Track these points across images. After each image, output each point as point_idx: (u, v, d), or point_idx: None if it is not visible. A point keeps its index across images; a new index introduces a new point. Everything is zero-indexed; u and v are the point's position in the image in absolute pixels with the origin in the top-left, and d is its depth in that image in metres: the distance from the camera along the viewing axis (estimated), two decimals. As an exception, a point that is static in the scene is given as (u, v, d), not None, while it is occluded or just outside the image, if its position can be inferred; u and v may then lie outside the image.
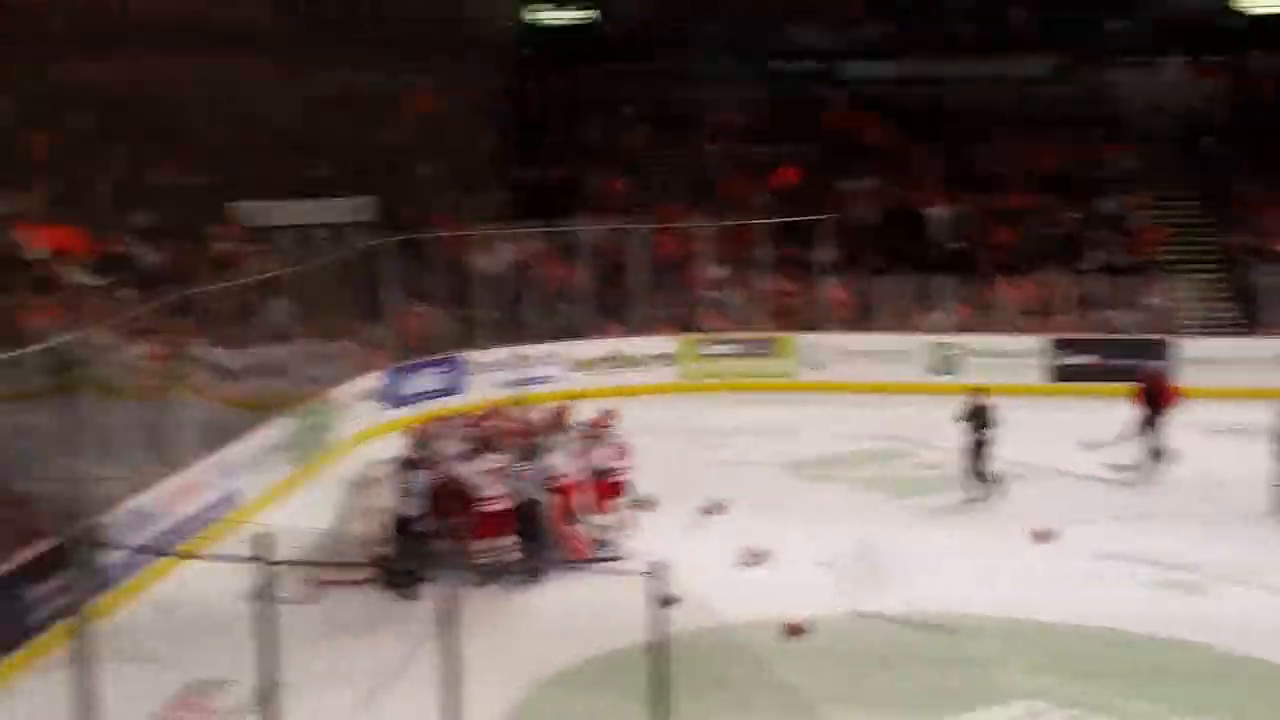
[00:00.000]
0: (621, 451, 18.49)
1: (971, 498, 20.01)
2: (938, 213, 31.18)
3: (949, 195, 31.60)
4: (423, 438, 18.35)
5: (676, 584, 14.03)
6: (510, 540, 17.22)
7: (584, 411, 19.35)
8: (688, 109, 34.92)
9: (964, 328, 28.36)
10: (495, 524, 17.16)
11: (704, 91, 34.93)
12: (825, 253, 29.23)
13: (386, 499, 17.22)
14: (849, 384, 27.24)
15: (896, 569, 17.10)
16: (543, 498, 17.40)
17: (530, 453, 17.48)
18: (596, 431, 18.55)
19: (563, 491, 17.62)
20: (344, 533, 17.58)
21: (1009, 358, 27.24)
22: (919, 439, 23.32)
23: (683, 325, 28.90)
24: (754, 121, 34.76)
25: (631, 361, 27.88)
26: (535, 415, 19.30)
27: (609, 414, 19.06)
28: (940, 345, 27.85)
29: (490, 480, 17.19)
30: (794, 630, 15.18)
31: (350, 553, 17.33)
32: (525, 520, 17.25)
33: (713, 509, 19.52)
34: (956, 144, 32.89)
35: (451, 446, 18.12)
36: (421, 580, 16.57)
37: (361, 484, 17.89)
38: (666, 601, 8.99)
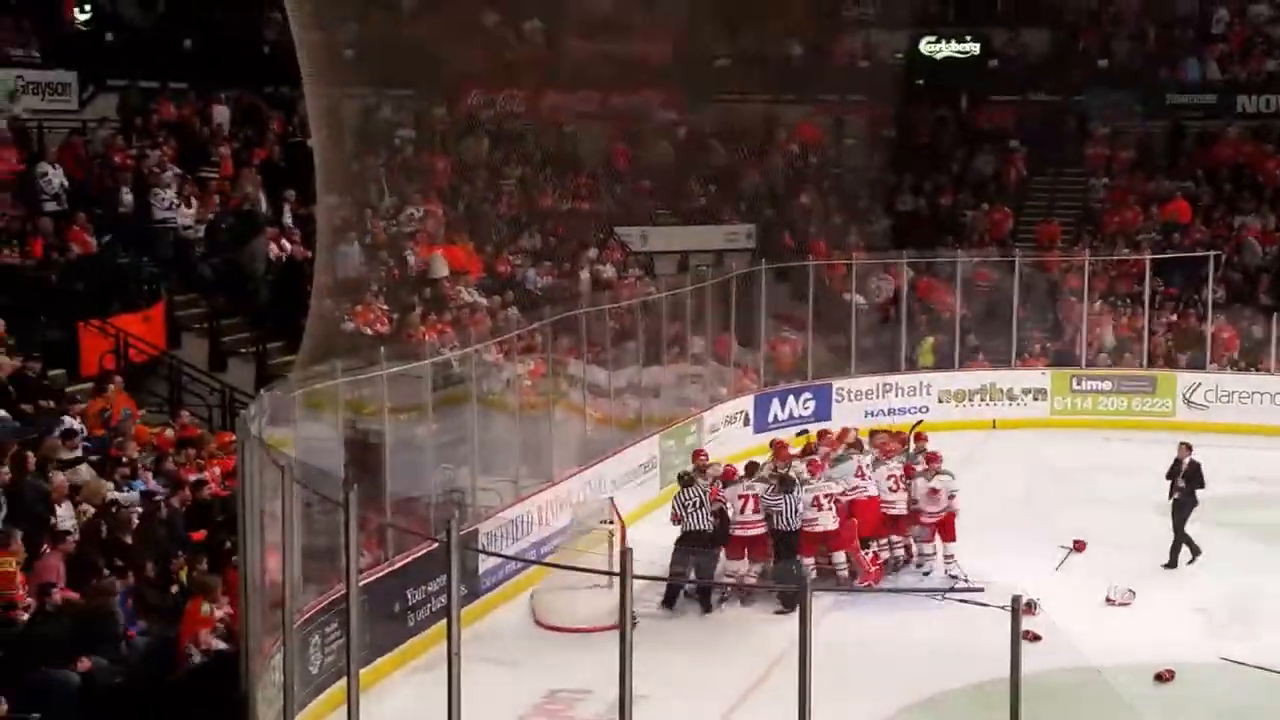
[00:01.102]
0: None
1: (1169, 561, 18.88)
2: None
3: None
4: (700, 458, 18.81)
5: (1041, 621, 13.97)
6: (757, 565, 17.48)
7: (921, 444, 19.56)
8: (1075, 141, 34.30)
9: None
10: (743, 548, 17.44)
11: (1092, 124, 34.25)
12: (1213, 290, 28.31)
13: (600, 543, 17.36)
14: (1231, 425, 26.11)
15: (1270, 619, 16.47)
16: (830, 522, 17.55)
17: (786, 484, 17.55)
18: (933, 466, 18.67)
19: (856, 515, 17.84)
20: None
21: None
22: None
23: (1058, 359, 28.38)
24: (1144, 154, 33.87)
25: (1002, 394, 27.52)
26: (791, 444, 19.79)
27: (919, 437, 19.39)
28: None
29: (744, 505, 17.39)
30: (1162, 677, 14.88)
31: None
32: (780, 548, 17.38)
33: (1075, 547, 19.20)
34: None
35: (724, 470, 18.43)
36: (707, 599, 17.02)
37: (579, 528, 18.21)
38: (1028, 637, 8.93)
